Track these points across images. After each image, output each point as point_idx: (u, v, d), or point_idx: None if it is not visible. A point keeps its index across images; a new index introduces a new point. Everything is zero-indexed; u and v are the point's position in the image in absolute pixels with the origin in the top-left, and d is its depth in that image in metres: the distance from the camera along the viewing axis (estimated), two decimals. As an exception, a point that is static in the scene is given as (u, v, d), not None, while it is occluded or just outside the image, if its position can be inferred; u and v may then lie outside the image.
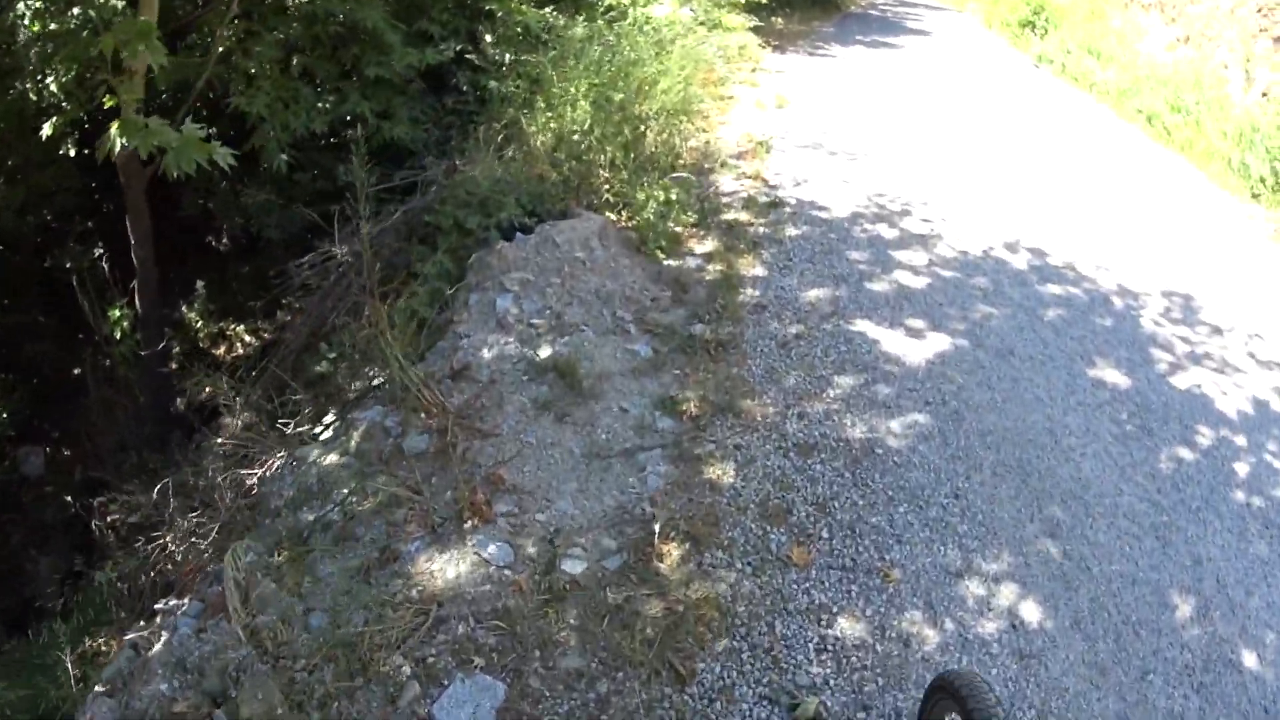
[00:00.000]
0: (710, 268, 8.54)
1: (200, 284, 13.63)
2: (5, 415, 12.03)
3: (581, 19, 11.65)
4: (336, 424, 7.41)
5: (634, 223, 8.88)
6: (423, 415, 6.69)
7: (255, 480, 7.78)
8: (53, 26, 9.94)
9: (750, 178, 10.22)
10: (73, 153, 10.80)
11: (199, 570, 7.48)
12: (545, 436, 6.53)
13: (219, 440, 8.26)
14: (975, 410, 7.22)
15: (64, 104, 10.29)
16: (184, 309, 13.79)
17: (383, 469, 6.50)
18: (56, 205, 12.01)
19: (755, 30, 14.41)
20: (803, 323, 7.89)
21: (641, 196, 8.92)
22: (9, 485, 12.43)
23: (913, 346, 7.80)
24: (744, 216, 9.38)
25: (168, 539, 7.74)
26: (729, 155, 10.72)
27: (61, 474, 12.61)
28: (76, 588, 10.48)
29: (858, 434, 6.81)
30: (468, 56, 10.82)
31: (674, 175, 9.73)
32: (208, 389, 11.32)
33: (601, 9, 12.22)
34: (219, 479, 7.64)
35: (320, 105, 10.50)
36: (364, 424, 6.90)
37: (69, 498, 12.09)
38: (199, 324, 13.76)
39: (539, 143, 9.42)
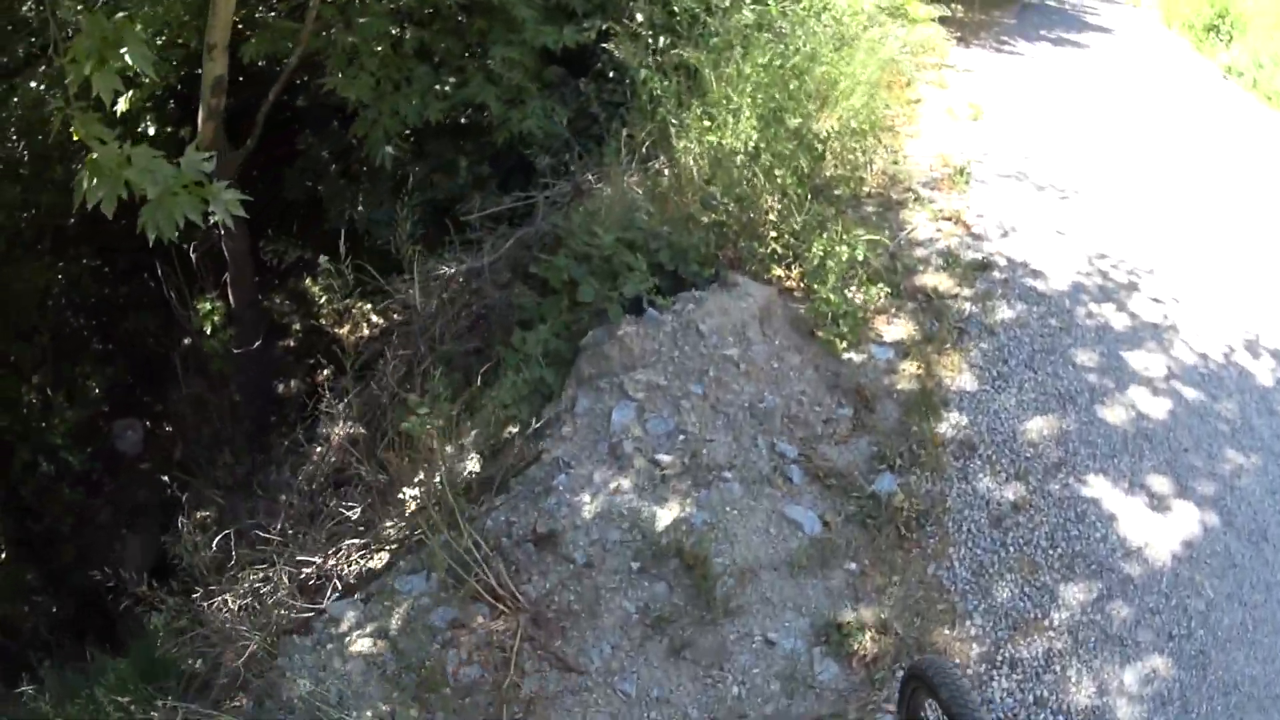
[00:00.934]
0: (904, 368, 5.74)
1: (324, 259, 11.17)
2: (99, 390, 9.91)
3: (749, 1, 8.80)
4: (381, 585, 4.95)
5: (805, 286, 6.16)
6: (483, 613, 4.21)
7: (310, 574, 5.58)
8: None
9: (949, 219, 7.30)
10: (152, 130, 8.41)
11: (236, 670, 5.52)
12: (650, 685, 3.92)
13: (275, 529, 5.97)
14: (1223, 646, 4.51)
15: (141, 76, 7.92)
16: (307, 281, 11.43)
17: (418, 693, 4.06)
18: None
19: (938, 21, 11.25)
20: (1023, 479, 5.07)
21: (818, 251, 6.14)
22: (102, 460, 10.43)
23: (1156, 528, 4.97)
24: (945, 282, 6.51)
25: (227, 597, 5.78)
26: (921, 182, 7.77)
27: (160, 451, 10.55)
28: (152, 589, 8.58)
29: (1083, 699, 4.14)
30: (605, 46, 8.04)
31: (859, 225, 6.96)
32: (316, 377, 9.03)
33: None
34: (280, 566, 5.55)
35: (438, 88, 7.92)
36: (406, 602, 4.43)
37: (165, 478, 10.10)
38: (322, 299, 11.37)
39: (690, 162, 6.71)
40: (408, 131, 7.83)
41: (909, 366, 5.77)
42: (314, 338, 11.03)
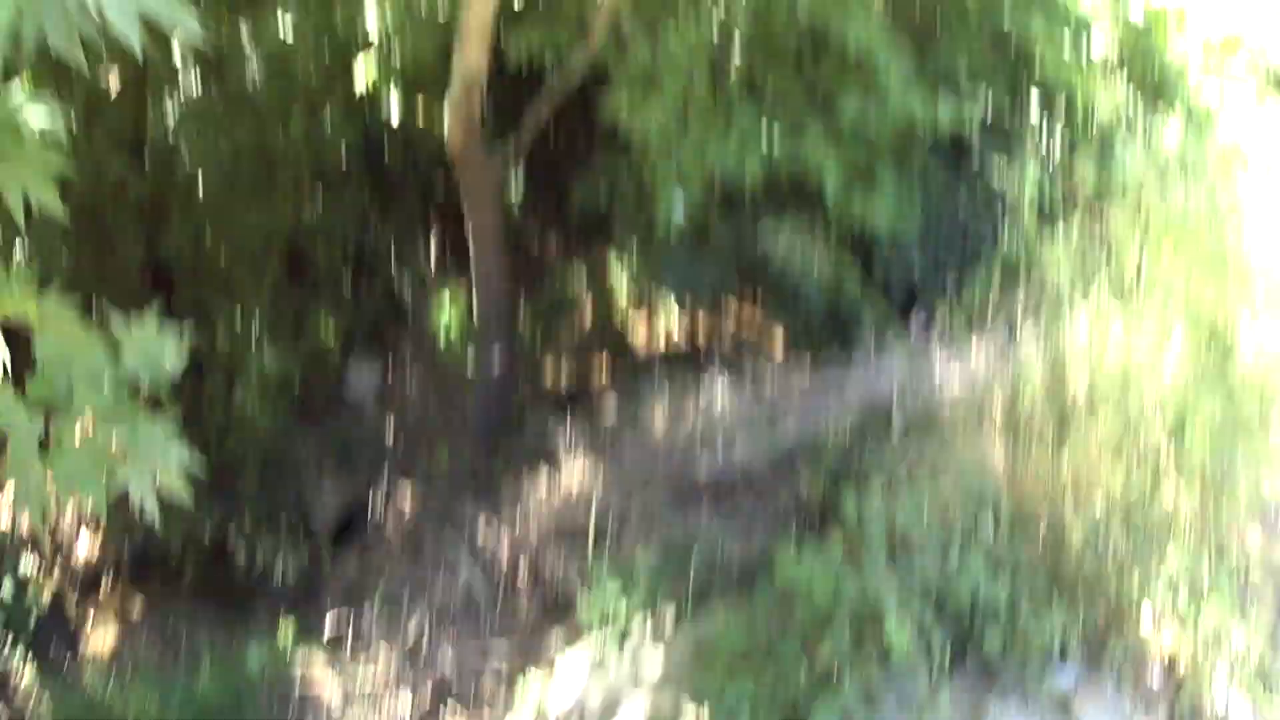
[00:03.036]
0: None
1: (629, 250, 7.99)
2: (332, 330, 7.46)
3: (1167, 114, 5.32)
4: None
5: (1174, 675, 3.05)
6: None
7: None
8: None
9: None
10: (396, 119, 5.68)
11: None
12: None
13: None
14: None
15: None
16: (609, 262, 8.38)
17: None
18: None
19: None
20: None
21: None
22: (326, 397, 8.03)
23: None
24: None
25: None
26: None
27: (393, 400, 8.04)
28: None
29: None
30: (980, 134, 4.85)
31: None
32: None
33: (1182, 96, 5.75)
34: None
35: (761, 139, 4.91)
36: None
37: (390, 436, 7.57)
38: (624, 280, 8.25)
39: (1077, 392, 3.49)
40: (714, 183, 4.92)
41: None
42: (605, 330, 8.03)
